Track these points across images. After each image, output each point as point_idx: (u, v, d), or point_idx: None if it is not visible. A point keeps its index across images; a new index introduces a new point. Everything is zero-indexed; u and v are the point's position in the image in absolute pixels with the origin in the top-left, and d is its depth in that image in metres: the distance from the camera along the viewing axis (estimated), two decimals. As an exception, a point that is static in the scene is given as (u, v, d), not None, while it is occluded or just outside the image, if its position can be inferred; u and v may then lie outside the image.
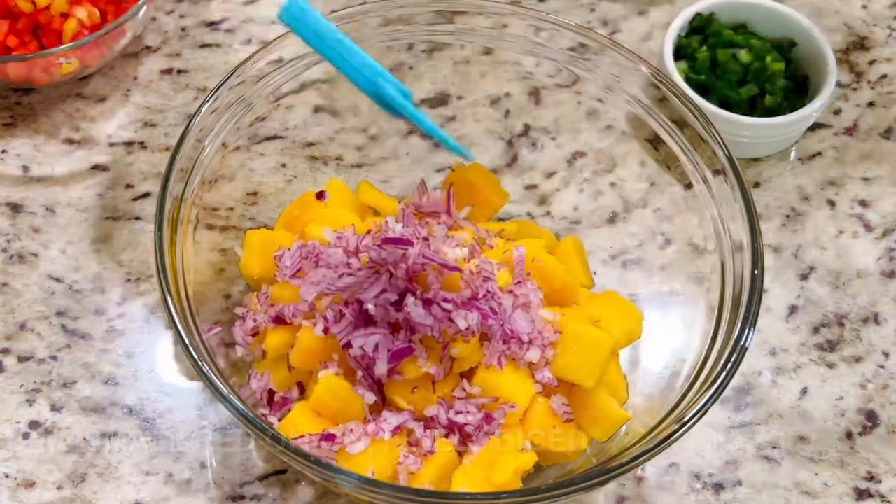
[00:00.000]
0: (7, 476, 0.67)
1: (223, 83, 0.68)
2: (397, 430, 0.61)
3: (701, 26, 0.83)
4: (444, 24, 0.73)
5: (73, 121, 0.82)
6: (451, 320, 0.60)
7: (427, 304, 0.60)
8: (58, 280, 0.74)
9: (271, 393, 0.66)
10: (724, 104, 0.79)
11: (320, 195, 0.71)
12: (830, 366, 0.73)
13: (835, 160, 0.83)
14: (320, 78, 0.75)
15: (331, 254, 0.66)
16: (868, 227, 0.79)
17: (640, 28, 0.89)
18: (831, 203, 0.80)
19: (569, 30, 0.71)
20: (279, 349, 0.65)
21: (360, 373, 0.62)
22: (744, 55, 0.80)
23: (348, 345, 0.61)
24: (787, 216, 0.80)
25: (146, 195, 0.78)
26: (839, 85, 0.86)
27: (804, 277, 0.77)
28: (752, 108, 0.80)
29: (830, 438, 0.70)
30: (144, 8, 0.78)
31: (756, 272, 0.62)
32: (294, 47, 0.71)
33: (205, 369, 0.58)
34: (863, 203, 0.80)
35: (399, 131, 0.78)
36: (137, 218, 0.77)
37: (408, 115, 0.57)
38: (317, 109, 0.78)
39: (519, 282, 0.65)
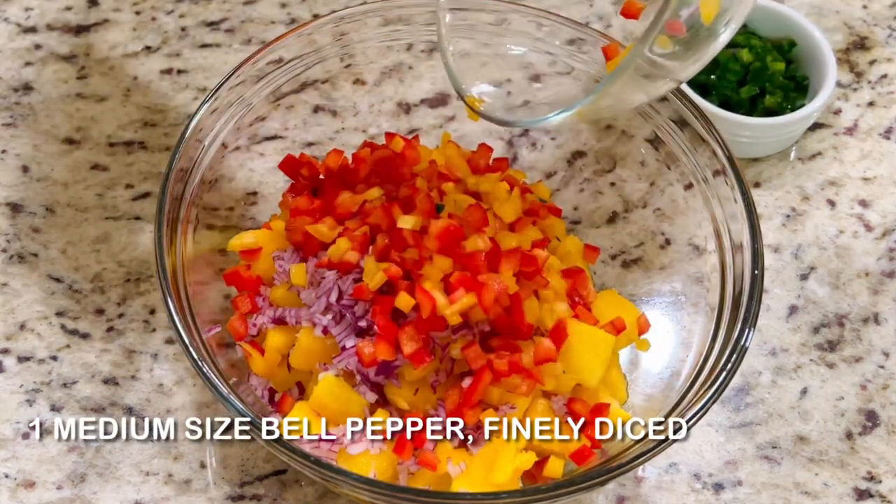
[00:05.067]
0: (7, 476, 0.67)
1: (223, 83, 0.68)
2: (398, 431, 0.61)
3: (701, 26, 0.83)
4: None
5: (73, 121, 0.82)
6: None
7: None
8: (58, 280, 0.74)
9: (271, 392, 0.66)
10: (725, 104, 0.79)
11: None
12: (830, 366, 0.73)
13: (835, 160, 0.83)
14: (320, 78, 0.75)
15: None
16: (868, 227, 0.79)
17: (639, 26, 0.89)
18: (831, 203, 0.80)
19: (566, 26, 0.71)
20: (279, 349, 0.65)
21: (358, 376, 0.62)
22: (744, 55, 0.80)
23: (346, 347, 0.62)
24: (787, 216, 0.80)
25: (146, 195, 0.78)
26: (839, 85, 0.86)
27: (804, 277, 0.77)
28: (752, 108, 0.80)
29: (830, 438, 0.70)
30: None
31: (756, 272, 0.62)
32: (294, 47, 0.71)
33: (205, 369, 0.58)
34: (863, 203, 0.80)
35: (399, 131, 0.78)
36: (137, 218, 0.77)
37: None
38: (317, 109, 0.78)
39: None
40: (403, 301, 0.60)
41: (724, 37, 0.52)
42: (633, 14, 0.60)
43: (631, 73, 0.51)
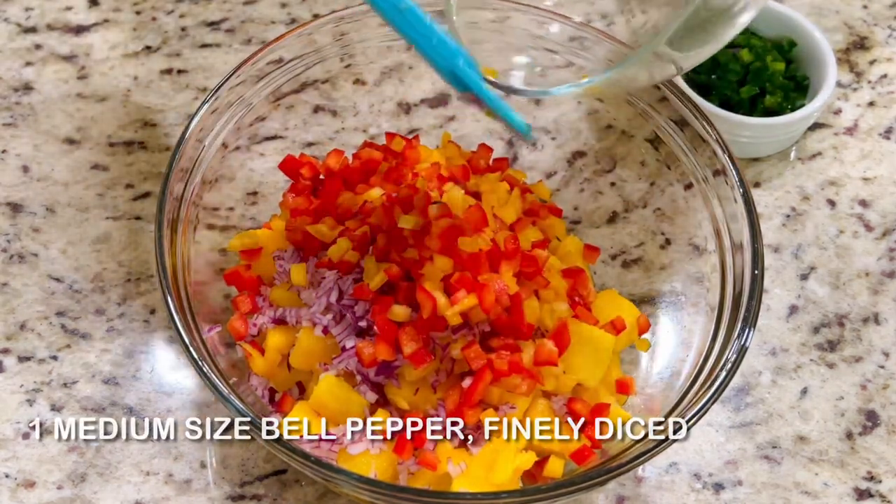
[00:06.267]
0: (7, 476, 0.67)
1: (223, 83, 0.68)
2: (398, 431, 0.61)
3: (701, 26, 0.83)
4: (445, 24, 0.73)
5: (73, 121, 0.82)
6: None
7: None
8: (58, 280, 0.74)
9: (271, 392, 0.66)
10: (725, 104, 0.79)
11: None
12: (830, 366, 0.73)
13: (835, 160, 0.83)
14: (320, 78, 0.75)
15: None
16: (868, 227, 0.79)
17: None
18: (831, 203, 0.80)
19: (569, 25, 0.71)
20: (279, 349, 0.65)
21: (358, 376, 0.62)
22: (744, 55, 0.80)
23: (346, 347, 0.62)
24: (787, 216, 0.80)
25: (146, 195, 0.78)
26: (839, 85, 0.86)
27: (804, 277, 0.77)
28: (753, 108, 0.80)
29: (830, 438, 0.70)
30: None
31: (756, 272, 0.62)
32: (294, 47, 0.71)
33: (205, 369, 0.58)
34: (863, 203, 0.80)
35: (399, 131, 0.78)
36: (137, 218, 0.77)
37: (480, 94, 0.56)
38: (317, 109, 0.78)
39: None
40: (398, 312, 0.60)
41: (744, 18, 0.52)
42: None
43: (646, 58, 0.52)
